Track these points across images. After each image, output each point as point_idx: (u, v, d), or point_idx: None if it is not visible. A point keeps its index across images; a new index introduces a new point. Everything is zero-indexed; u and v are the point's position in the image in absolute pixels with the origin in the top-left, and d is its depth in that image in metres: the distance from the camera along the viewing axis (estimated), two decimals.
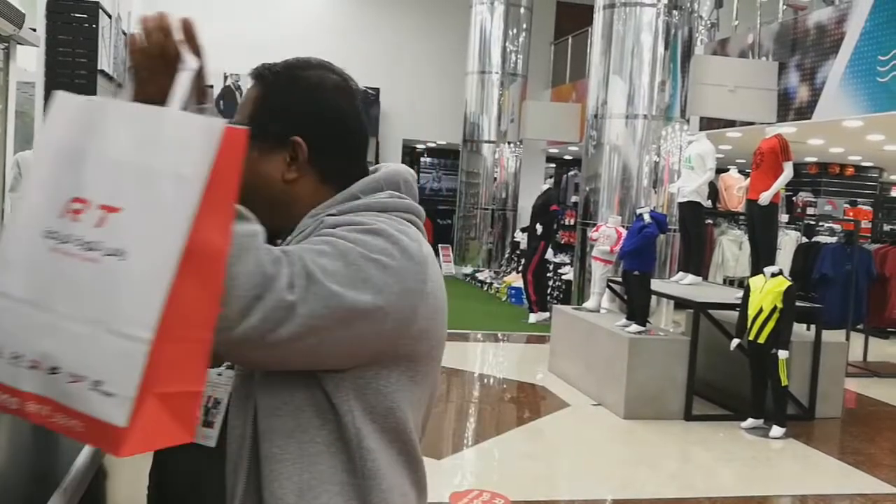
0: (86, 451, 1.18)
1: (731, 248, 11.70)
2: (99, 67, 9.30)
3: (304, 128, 1.41)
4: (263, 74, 1.45)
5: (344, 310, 1.23)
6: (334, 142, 1.44)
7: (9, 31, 7.11)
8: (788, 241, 10.41)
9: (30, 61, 8.52)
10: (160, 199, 1.11)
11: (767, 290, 6.45)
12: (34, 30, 7.95)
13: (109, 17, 10.25)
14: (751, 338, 6.52)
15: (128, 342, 1.07)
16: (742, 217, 11.24)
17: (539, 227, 11.32)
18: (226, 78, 16.95)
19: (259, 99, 1.43)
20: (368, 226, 1.31)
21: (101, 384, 1.06)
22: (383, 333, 1.29)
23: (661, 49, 9.68)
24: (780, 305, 6.40)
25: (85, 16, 8.83)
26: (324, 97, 1.43)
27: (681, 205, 8.55)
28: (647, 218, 7.33)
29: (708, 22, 12.53)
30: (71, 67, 8.81)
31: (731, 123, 11.16)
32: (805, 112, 9.96)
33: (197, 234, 1.10)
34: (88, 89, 8.91)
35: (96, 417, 1.06)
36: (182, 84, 1.23)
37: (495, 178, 16.32)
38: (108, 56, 10.30)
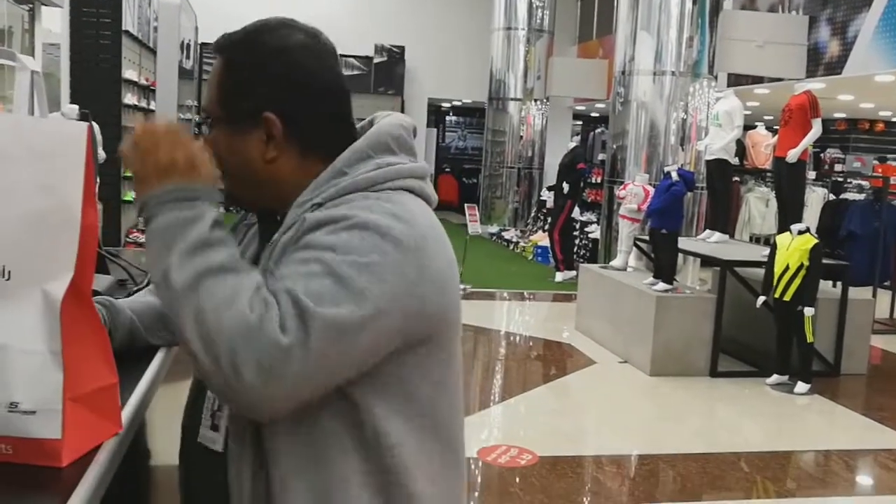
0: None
1: (758, 205, 11.61)
2: (123, 28, 9.33)
3: (274, 100, 1.32)
4: (223, 45, 1.35)
5: (347, 328, 1.17)
6: (309, 108, 1.34)
7: None
8: (816, 199, 10.31)
9: (55, 22, 8.57)
10: (35, 213, 1.08)
11: (794, 248, 6.42)
12: None
13: None
14: (777, 295, 6.50)
15: (38, 358, 1.06)
16: (769, 174, 11.14)
17: (566, 186, 11.29)
18: None
19: (222, 75, 1.34)
20: (353, 219, 1.22)
21: (17, 405, 1.06)
22: (394, 330, 1.23)
23: (689, 4, 9.55)
24: (806, 263, 6.37)
25: None
26: (290, 60, 1.33)
27: (708, 162, 8.50)
28: (674, 176, 7.29)
29: None
30: (95, 28, 8.85)
31: (759, 80, 11.04)
32: (835, 67, 9.82)
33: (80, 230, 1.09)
34: (113, 50, 8.95)
35: (25, 437, 1.06)
36: (23, 86, 1.18)
37: (521, 137, 16.23)
38: (133, 16, 10.32)
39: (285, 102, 1.32)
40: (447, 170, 22.36)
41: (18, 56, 1.17)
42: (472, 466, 4.91)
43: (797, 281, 6.39)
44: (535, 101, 16.17)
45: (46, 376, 1.07)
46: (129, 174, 10.07)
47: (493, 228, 15.78)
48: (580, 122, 21.85)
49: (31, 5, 7.49)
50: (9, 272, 1.08)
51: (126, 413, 1.21)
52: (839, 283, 7.41)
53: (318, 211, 1.27)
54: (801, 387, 6.59)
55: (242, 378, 1.12)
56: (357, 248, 1.19)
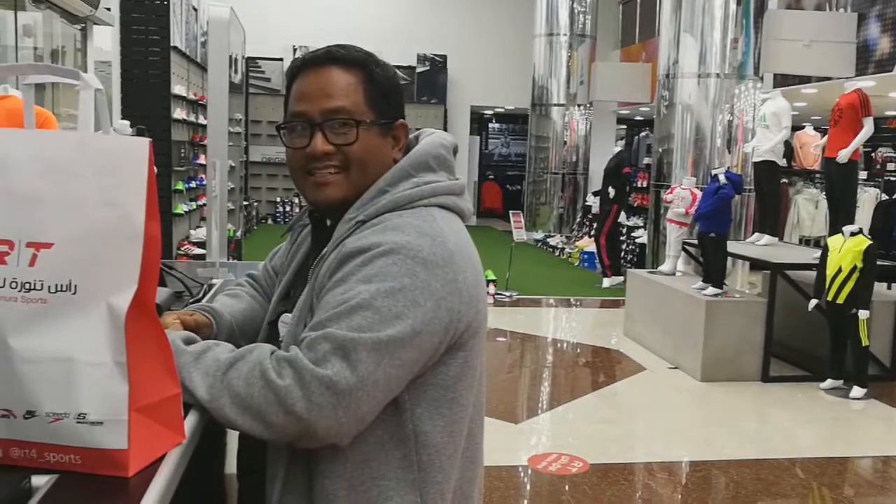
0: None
1: (807, 207, 11.46)
2: (172, 44, 9.48)
3: (400, 111, 1.55)
4: (361, 59, 1.51)
5: (391, 349, 1.30)
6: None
7: (85, 12, 7.30)
8: (868, 199, 10.16)
9: (105, 41, 8.74)
10: (99, 228, 1.11)
11: (847, 250, 6.33)
12: (109, 9, 8.16)
13: None
14: (829, 298, 6.41)
15: (104, 370, 1.09)
16: (818, 175, 10.99)
17: (611, 191, 11.23)
18: (295, 51, 17.11)
19: (367, 85, 1.50)
20: (384, 246, 1.35)
21: (85, 416, 1.08)
22: (433, 344, 1.36)
23: (733, 5, 9.46)
24: (860, 265, 6.27)
25: None
26: (399, 81, 1.58)
27: (756, 164, 8.41)
28: (722, 178, 7.23)
29: None
30: (145, 45, 9.03)
31: (806, 79, 10.89)
32: (886, 64, 9.65)
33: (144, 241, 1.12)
34: (162, 66, 9.12)
35: (93, 447, 1.08)
36: (87, 104, 1.22)
37: (565, 142, 16.16)
38: (181, 32, 10.48)
39: (402, 114, 1.56)
40: (491, 177, 22.34)
41: (82, 75, 1.20)
42: (523, 474, 4.90)
43: (850, 283, 6.29)
44: (579, 106, 16.08)
45: (112, 388, 1.09)
46: (179, 187, 10.23)
47: (539, 235, 15.73)
48: (624, 126, 21.72)
49: (83, 25, 7.65)
50: (75, 286, 1.10)
51: (189, 423, 1.23)
52: (894, 285, 7.28)
53: (356, 234, 1.41)
54: (856, 391, 6.48)
55: (307, 423, 1.26)
56: (390, 275, 1.33)
